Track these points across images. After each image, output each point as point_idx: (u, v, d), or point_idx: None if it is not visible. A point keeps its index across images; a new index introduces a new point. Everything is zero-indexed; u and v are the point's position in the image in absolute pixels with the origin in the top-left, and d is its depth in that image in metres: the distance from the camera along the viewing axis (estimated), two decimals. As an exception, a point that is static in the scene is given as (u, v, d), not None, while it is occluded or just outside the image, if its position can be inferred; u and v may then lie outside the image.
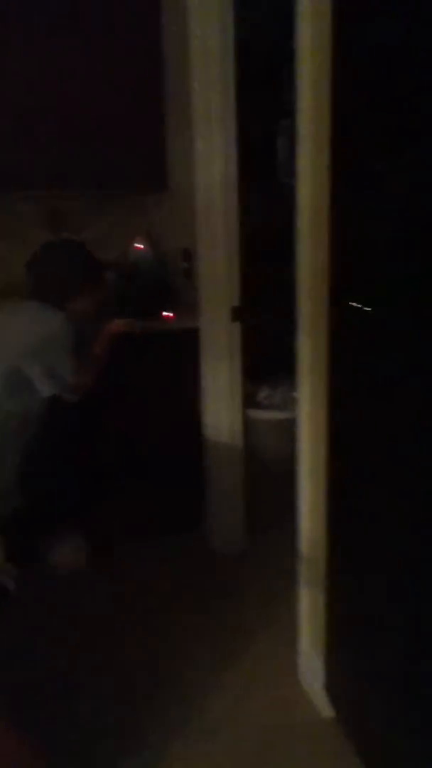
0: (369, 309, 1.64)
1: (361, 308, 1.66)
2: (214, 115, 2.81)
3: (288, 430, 2.82)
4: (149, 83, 3.12)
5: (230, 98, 2.81)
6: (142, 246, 3.36)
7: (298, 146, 2.04)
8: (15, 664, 2.47)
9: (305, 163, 2.02)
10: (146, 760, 2.10)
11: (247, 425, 3.23)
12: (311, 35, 1.90)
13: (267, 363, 3.42)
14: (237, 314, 3.00)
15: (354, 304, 1.68)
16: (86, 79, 3.02)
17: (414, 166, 1.45)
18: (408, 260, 1.52)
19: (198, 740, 2.17)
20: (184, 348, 3.12)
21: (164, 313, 3.13)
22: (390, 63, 1.52)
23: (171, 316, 3.12)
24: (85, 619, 2.74)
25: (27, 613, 2.70)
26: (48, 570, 2.90)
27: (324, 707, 2.21)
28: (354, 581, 2.00)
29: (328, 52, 1.76)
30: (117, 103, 3.08)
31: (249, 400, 3.27)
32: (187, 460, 3.22)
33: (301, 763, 2.08)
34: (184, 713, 2.28)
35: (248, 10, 2.83)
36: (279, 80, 3.41)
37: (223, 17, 2.73)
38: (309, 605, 2.28)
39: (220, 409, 3.13)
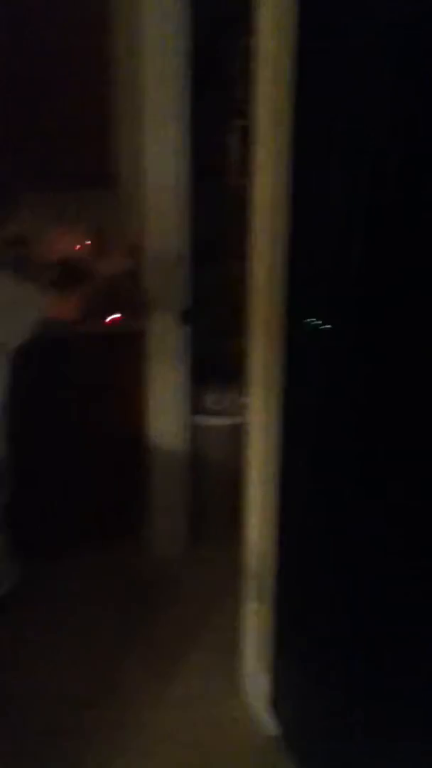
0: (328, 326, 1.58)
1: (319, 324, 1.60)
2: (167, 111, 2.73)
3: (236, 436, 2.76)
4: (99, 77, 3.01)
5: (184, 94, 2.74)
6: (88, 244, 3.25)
7: (254, 145, 1.97)
8: None
9: (262, 164, 1.95)
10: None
11: (194, 431, 3.15)
12: (271, 31, 1.84)
13: (215, 367, 3.35)
14: (186, 317, 2.92)
15: (312, 320, 1.61)
16: (34, 71, 2.89)
17: (373, 179, 1.40)
18: (367, 276, 1.46)
19: (135, 760, 2.08)
20: (131, 350, 3.03)
21: (111, 315, 3.03)
22: (355, 64, 1.46)
23: (117, 318, 3.02)
24: (20, 627, 2.61)
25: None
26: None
27: (268, 725, 2.14)
28: (302, 596, 1.94)
29: (288, 47, 1.70)
30: (66, 97, 2.97)
31: (196, 405, 3.19)
32: (130, 465, 3.13)
33: (243, 784, 2.01)
34: (121, 732, 2.19)
35: (204, 5, 2.76)
36: (232, 77, 3.34)
37: (179, 11, 2.65)
38: (254, 619, 2.22)
39: (167, 414, 3.05)
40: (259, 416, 2.13)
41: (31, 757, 2.08)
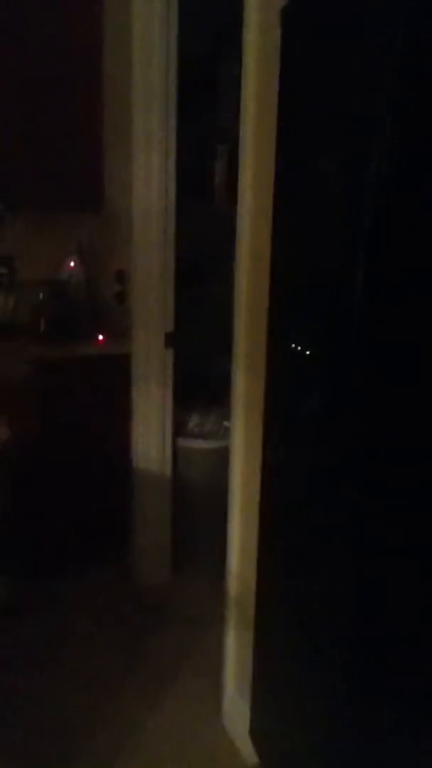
0: (308, 352, 1.58)
1: (301, 351, 1.60)
2: (154, 136, 2.75)
3: (218, 459, 2.76)
4: (89, 101, 3.06)
5: (170, 121, 2.77)
6: (74, 266, 3.26)
7: (239, 171, 1.99)
8: None
9: (247, 188, 1.97)
10: None
11: (177, 453, 3.14)
12: (257, 57, 1.87)
13: (198, 389, 3.35)
14: (170, 340, 2.93)
15: (295, 346, 1.62)
16: (25, 95, 2.92)
17: (358, 200, 1.41)
18: (349, 302, 1.47)
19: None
20: (114, 373, 3.03)
21: (95, 336, 3.04)
22: (339, 87, 1.48)
23: (101, 340, 3.02)
24: (6, 652, 2.58)
25: None
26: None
27: (248, 754, 2.11)
28: (283, 622, 1.92)
29: (274, 72, 1.71)
30: (55, 120, 2.99)
31: (178, 428, 3.18)
32: (113, 489, 3.11)
33: None
34: (99, 762, 2.14)
35: (190, 33, 2.80)
36: (217, 104, 3.38)
37: (166, 38, 2.69)
38: (235, 645, 2.20)
39: (150, 436, 3.04)
40: (241, 439, 2.12)
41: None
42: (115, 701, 2.39)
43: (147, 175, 2.79)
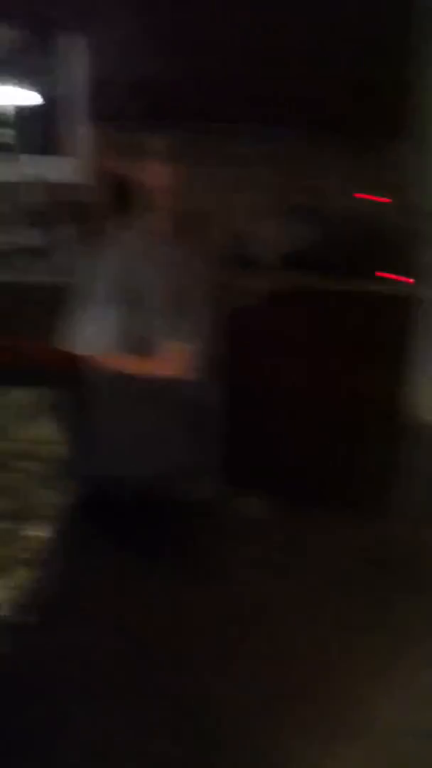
0: None
1: None
2: None
3: None
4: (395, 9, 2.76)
5: None
6: (375, 198, 3.09)
7: None
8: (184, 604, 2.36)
9: None
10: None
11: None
12: None
13: None
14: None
15: None
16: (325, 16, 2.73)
17: None
18: None
19: (349, 743, 1.90)
20: (399, 315, 2.85)
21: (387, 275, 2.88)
22: None
23: (393, 279, 2.86)
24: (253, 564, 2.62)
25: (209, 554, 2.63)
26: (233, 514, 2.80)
27: None
28: None
29: None
30: (357, 33, 2.75)
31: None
32: (380, 436, 2.97)
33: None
34: (346, 725, 1.99)
35: None
36: None
37: None
38: None
39: (428, 386, 2.87)
40: None
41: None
42: (359, 655, 2.25)
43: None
